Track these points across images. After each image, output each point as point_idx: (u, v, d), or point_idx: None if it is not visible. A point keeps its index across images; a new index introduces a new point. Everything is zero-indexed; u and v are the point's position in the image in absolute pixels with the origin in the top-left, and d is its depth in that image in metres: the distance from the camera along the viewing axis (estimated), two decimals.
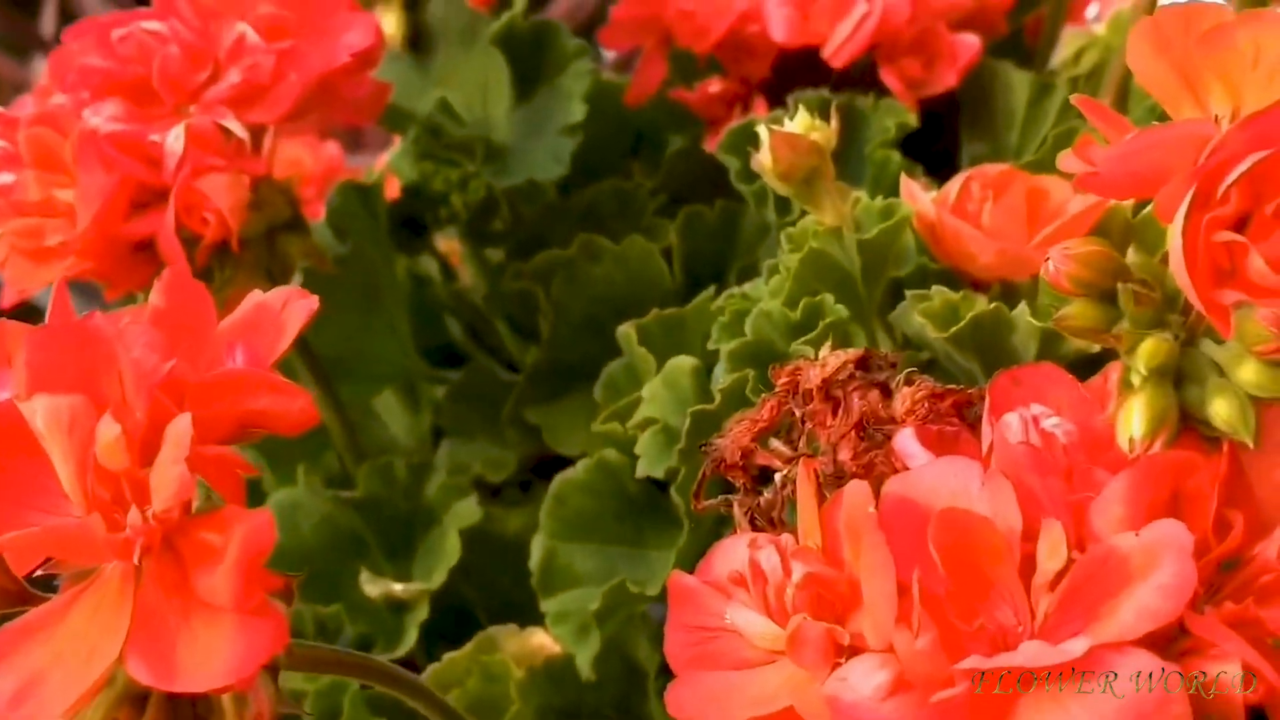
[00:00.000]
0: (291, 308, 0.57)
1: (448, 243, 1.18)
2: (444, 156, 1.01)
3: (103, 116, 0.77)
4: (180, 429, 0.50)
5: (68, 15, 2.23)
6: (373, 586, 0.98)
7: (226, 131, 0.79)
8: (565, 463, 0.88)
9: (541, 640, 0.91)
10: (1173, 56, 0.54)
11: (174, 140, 0.77)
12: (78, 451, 0.51)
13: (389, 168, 1.13)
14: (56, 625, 0.52)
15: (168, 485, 0.50)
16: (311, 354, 0.95)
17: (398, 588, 0.97)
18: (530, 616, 0.89)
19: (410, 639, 0.96)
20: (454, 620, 0.99)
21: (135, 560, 0.51)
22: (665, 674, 0.59)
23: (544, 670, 0.89)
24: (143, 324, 0.55)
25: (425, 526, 1.00)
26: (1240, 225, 0.51)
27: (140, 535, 0.50)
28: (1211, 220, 0.50)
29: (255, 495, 1.04)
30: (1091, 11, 1.32)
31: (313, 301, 0.57)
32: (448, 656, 0.92)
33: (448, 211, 1.04)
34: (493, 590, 1.00)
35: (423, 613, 0.96)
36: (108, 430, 0.50)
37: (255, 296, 0.58)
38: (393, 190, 1.10)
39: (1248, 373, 0.54)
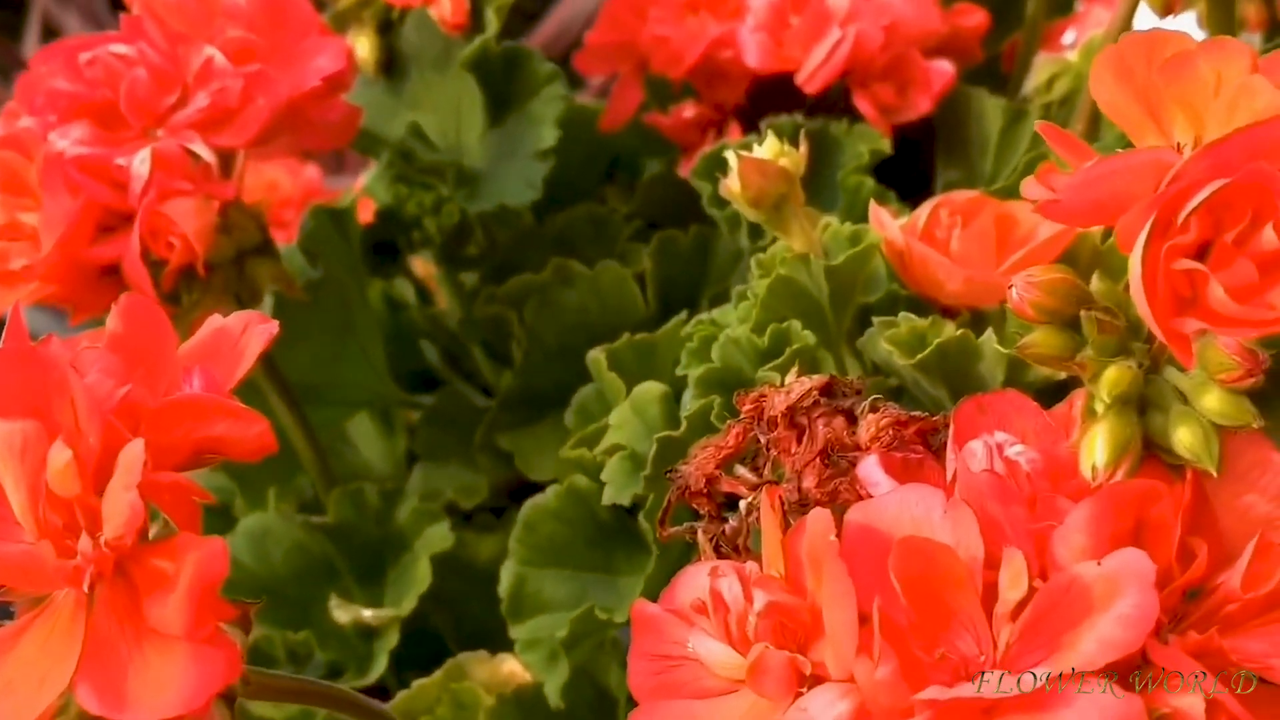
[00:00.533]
0: (251, 333, 0.56)
1: (425, 266, 1.18)
2: (417, 180, 1.01)
3: (69, 140, 0.77)
4: (132, 455, 0.50)
5: (51, 37, 2.23)
6: (343, 613, 0.97)
7: (194, 155, 0.79)
8: (538, 488, 0.87)
9: (512, 667, 0.91)
10: (1135, 85, 0.54)
11: (140, 164, 0.76)
12: (29, 477, 0.50)
13: (364, 191, 1.13)
14: (8, 653, 0.52)
15: (119, 512, 0.49)
16: (282, 378, 0.94)
17: (368, 614, 0.96)
18: (501, 643, 0.89)
19: (380, 665, 0.95)
20: (424, 647, 0.98)
21: (86, 588, 0.50)
22: (636, 701, 0.59)
23: (514, 698, 0.88)
24: (99, 348, 0.55)
25: (396, 552, 0.99)
26: (1201, 253, 0.51)
27: (91, 563, 0.50)
28: (1171, 248, 0.50)
29: (226, 520, 1.04)
30: (1069, 38, 1.32)
31: (272, 326, 0.57)
32: (417, 683, 0.91)
33: (421, 235, 1.04)
34: (463, 617, 1.00)
35: (393, 639, 0.96)
36: (59, 456, 0.50)
37: (214, 321, 0.57)
38: (368, 213, 1.10)
39: (1211, 401, 0.54)
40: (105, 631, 0.50)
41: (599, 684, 0.90)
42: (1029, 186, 0.55)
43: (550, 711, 0.85)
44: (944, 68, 0.99)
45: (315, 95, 0.83)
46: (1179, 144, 0.54)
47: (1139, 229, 0.49)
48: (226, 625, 0.53)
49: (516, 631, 0.84)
